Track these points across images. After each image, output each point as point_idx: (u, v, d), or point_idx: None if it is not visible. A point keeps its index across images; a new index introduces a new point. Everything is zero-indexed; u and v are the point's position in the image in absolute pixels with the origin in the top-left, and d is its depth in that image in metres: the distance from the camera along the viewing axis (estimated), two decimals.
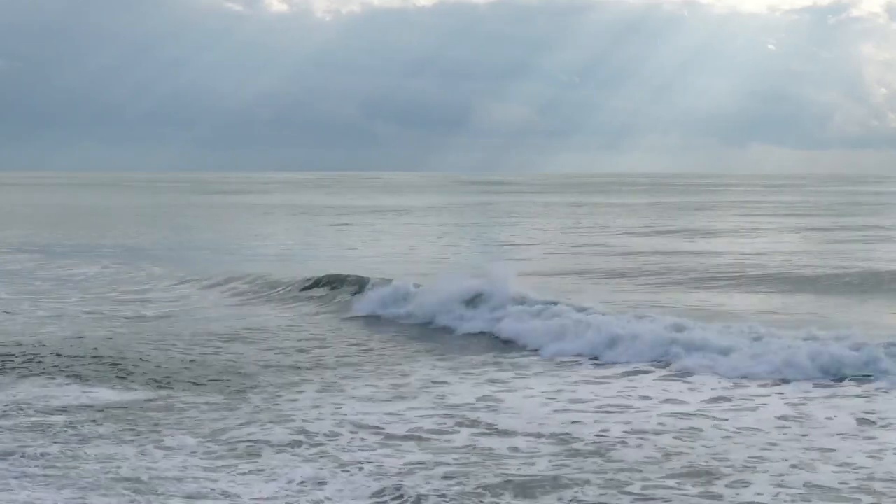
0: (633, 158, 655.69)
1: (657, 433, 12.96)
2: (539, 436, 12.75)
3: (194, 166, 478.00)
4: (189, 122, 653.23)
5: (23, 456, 11.77)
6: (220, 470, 11.35)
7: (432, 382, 16.14)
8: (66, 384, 15.93)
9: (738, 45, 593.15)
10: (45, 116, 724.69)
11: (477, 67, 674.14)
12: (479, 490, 10.54)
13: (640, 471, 11.25)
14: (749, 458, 11.80)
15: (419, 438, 12.67)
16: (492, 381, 16.27)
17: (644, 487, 10.72)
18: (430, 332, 21.82)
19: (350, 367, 17.56)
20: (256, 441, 12.49)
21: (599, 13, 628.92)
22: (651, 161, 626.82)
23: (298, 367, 17.46)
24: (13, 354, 18.47)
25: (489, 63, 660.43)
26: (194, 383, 16.15)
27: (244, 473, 11.23)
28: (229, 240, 47.26)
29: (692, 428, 13.22)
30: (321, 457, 11.83)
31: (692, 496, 10.47)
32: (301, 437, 12.65)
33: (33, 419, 13.62)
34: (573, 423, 13.48)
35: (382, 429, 13.09)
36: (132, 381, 16.22)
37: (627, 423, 13.49)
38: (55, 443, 12.41)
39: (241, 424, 13.30)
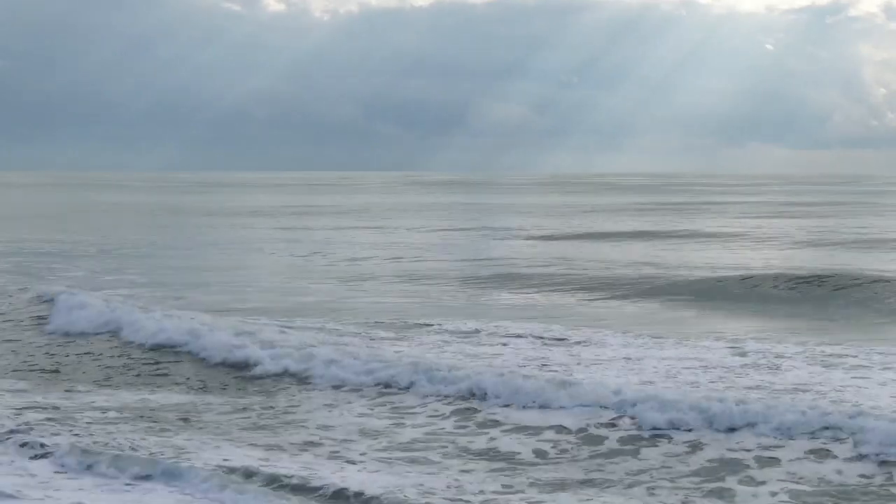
0: (632, 158, 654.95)
1: None
2: None
3: (193, 166, 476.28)
4: (187, 121, 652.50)
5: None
6: None
7: None
8: None
9: (736, 45, 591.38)
10: (42, 116, 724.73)
11: (474, 67, 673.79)
12: None
13: None
14: None
15: None
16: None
17: None
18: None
19: None
20: None
21: (597, 13, 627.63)
22: (649, 161, 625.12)
23: None
24: None
25: (487, 62, 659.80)
26: None
27: None
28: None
29: None
30: None
31: None
32: None
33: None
34: None
35: None
36: None
37: None
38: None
39: None
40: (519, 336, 19.31)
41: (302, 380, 15.65)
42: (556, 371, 15.78)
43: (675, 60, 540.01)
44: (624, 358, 17.01)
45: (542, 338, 19.08)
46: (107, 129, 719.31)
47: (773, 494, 10.40)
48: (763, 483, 10.71)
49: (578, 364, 16.46)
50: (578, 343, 18.54)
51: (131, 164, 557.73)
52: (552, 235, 47.71)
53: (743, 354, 17.16)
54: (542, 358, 17.01)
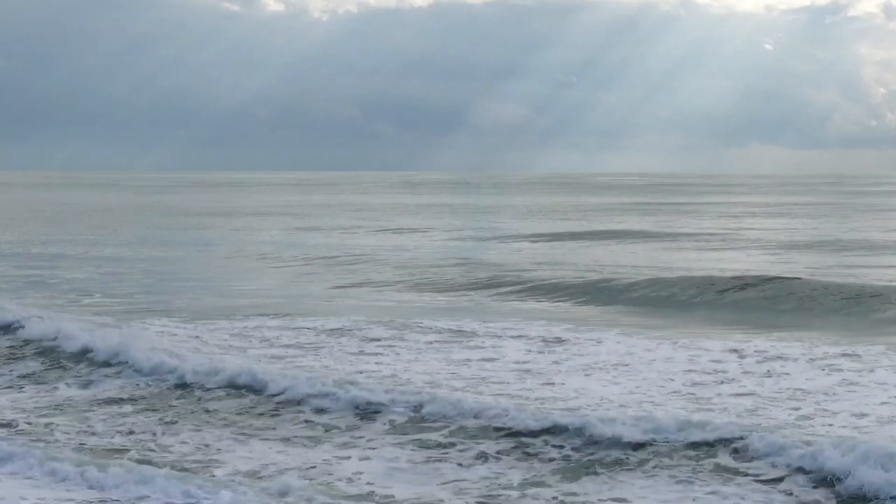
0: (631, 158, 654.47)
1: None
2: None
3: (193, 166, 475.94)
4: (186, 121, 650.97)
5: None
6: None
7: None
8: None
9: (736, 45, 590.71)
10: (42, 116, 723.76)
11: (473, 67, 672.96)
12: None
13: None
14: None
15: None
16: None
17: None
18: None
19: None
20: None
21: (595, 12, 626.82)
22: (649, 161, 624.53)
23: None
24: None
25: (486, 62, 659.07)
26: None
27: None
28: None
29: None
30: None
31: None
32: None
33: None
34: None
35: None
36: None
37: None
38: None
39: None
40: (515, 337, 19.62)
41: None
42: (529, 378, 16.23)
43: (675, 60, 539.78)
44: (615, 364, 17.21)
45: (534, 338, 19.41)
46: (106, 129, 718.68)
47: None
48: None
49: (567, 371, 16.72)
50: (566, 345, 18.81)
51: (131, 164, 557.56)
52: (550, 236, 47.85)
53: (741, 358, 17.23)
54: (528, 363, 17.25)
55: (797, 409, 13.80)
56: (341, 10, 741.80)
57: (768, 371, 16.32)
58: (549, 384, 15.59)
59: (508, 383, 15.63)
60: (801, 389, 14.96)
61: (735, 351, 17.98)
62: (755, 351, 17.99)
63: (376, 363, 17.34)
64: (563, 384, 15.57)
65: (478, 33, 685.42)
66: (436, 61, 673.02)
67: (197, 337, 19.87)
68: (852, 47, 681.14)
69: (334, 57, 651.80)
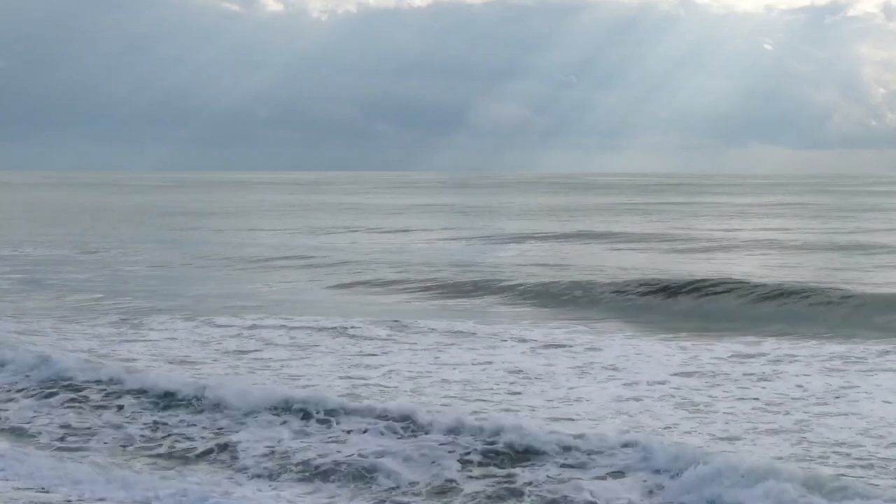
0: (631, 158, 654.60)
1: None
2: None
3: (191, 166, 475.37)
4: (186, 121, 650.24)
5: None
6: None
7: None
8: None
9: (735, 45, 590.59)
10: (42, 116, 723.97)
11: (473, 67, 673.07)
12: None
13: None
14: None
15: None
16: None
17: None
18: None
19: None
20: None
21: (595, 12, 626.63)
22: (649, 160, 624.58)
23: None
24: None
25: (485, 62, 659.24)
26: None
27: None
28: None
29: None
30: None
31: None
32: None
33: None
34: None
35: None
36: None
37: None
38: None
39: None
40: (512, 339, 19.67)
41: None
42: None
43: (675, 60, 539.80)
44: (609, 366, 17.26)
45: (532, 340, 19.47)
46: (106, 129, 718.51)
47: None
48: None
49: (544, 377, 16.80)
50: (565, 347, 18.86)
51: (131, 164, 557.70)
52: (550, 236, 47.80)
53: (741, 362, 17.22)
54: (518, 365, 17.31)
55: (795, 412, 13.86)
56: (341, 10, 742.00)
57: (769, 374, 16.36)
58: (543, 388, 15.61)
59: (499, 386, 15.68)
60: (799, 392, 15.02)
61: (735, 354, 18.05)
62: (757, 354, 18.06)
63: (374, 364, 17.42)
64: (556, 387, 15.59)
65: (477, 33, 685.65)
66: (436, 61, 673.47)
67: (175, 339, 20.01)
68: (852, 47, 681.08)
69: (334, 57, 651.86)
